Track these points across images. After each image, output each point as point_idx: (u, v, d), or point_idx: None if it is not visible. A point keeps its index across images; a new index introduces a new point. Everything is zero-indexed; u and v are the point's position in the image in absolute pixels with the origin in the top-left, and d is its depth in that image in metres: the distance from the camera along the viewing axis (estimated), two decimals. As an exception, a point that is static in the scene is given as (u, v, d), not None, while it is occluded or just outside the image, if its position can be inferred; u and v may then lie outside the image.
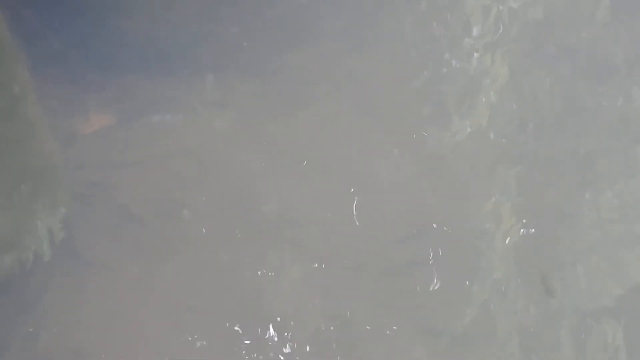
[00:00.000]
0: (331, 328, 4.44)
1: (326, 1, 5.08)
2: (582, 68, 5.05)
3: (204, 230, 4.64)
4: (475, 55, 5.06)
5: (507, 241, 4.70)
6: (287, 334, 4.40)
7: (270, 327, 4.42)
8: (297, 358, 4.33)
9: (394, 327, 4.45)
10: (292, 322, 4.44)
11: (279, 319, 4.45)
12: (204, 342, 4.34)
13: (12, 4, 4.85)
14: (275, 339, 4.38)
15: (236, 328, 4.39)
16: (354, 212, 4.71)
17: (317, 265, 4.59)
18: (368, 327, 4.46)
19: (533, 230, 4.71)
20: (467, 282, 4.58)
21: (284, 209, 4.71)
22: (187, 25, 4.97)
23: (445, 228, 4.70)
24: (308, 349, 4.37)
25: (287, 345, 4.38)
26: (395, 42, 5.10)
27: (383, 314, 4.48)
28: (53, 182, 4.68)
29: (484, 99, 4.97)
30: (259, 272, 4.55)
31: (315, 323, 4.45)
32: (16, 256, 4.36)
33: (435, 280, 4.56)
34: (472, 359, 4.47)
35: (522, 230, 4.71)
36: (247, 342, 4.37)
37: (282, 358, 4.33)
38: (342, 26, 5.10)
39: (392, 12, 5.11)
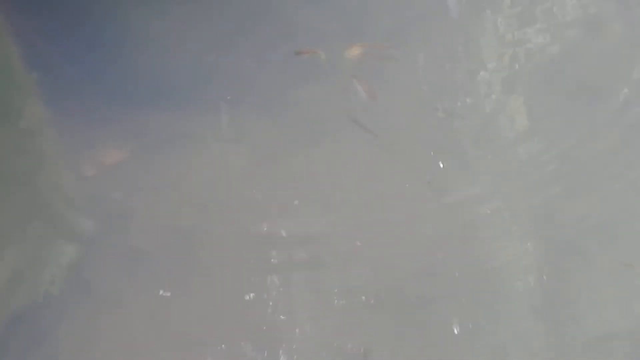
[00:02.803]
0: (346, 364, 4.42)
1: (341, 36, 5.11)
2: (597, 105, 5.08)
3: (217, 265, 4.63)
4: (491, 92, 5.09)
5: (521, 278, 4.68)
6: (302, 370, 4.38)
7: (285, 362, 4.41)
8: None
9: (410, 365, 4.43)
10: (307, 357, 4.41)
11: (293, 353, 4.42)
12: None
13: (26, 37, 4.88)
14: (290, 375, 4.37)
15: (250, 364, 4.37)
16: (369, 248, 4.70)
17: (331, 300, 4.57)
18: (383, 364, 4.44)
19: (547, 266, 4.69)
20: (483, 319, 4.56)
21: (299, 242, 4.69)
22: (202, 59, 5.00)
23: (460, 264, 4.68)
24: (323, 385, 4.35)
25: (302, 382, 4.36)
26: (410, 77, 5.12)
27: (398, 351, 4.45)
28: (66, 216, 4.68)
29: (499, 135, 4.99)
30: (273, 307, 4.53)
31: (330, 358, 4.43)
32: (29, 290, 4.36)
33: (451, 317, 4.54)
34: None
35: (536, 267, 4.70)
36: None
37: (296, 394, 4.31)
38: (357, 61, 5.11)
39: (406, 48, 5.14)
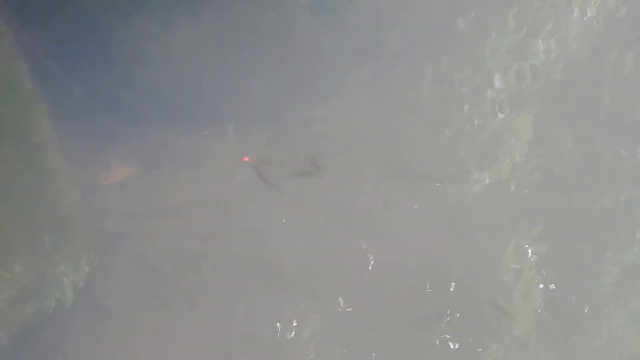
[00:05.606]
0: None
1: (349, 55, 5.12)
2: (602, 123, 5.08)
3: (223, 281, 4.65)
4: (498, 111, 5.09)
5: (526, 295, 4.69)
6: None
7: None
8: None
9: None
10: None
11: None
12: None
13: (35, 55, 4.90)
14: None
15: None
16: (374, 265, 4.71)
17: (336, 317, 4.58)
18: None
19: (553, 285, 4.70)
20: (487, 335, 4.57)
21: (304, 262, 4.71)
22: (210, 77, 5.01)
23: (464, 281, 4.70)
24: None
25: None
26: (417, 96, 5.13)
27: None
28: (74, 231, 4.69)
29: (504, 154, 5.00)
30: (278, 324, 4.54)
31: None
32: (37, 305, 4.37)
33: (455, 333, 4.55)
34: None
35: (541, 285, 4.70)
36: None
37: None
38: (365, 79, 5.14)
39: (415, 66, 5.15)
